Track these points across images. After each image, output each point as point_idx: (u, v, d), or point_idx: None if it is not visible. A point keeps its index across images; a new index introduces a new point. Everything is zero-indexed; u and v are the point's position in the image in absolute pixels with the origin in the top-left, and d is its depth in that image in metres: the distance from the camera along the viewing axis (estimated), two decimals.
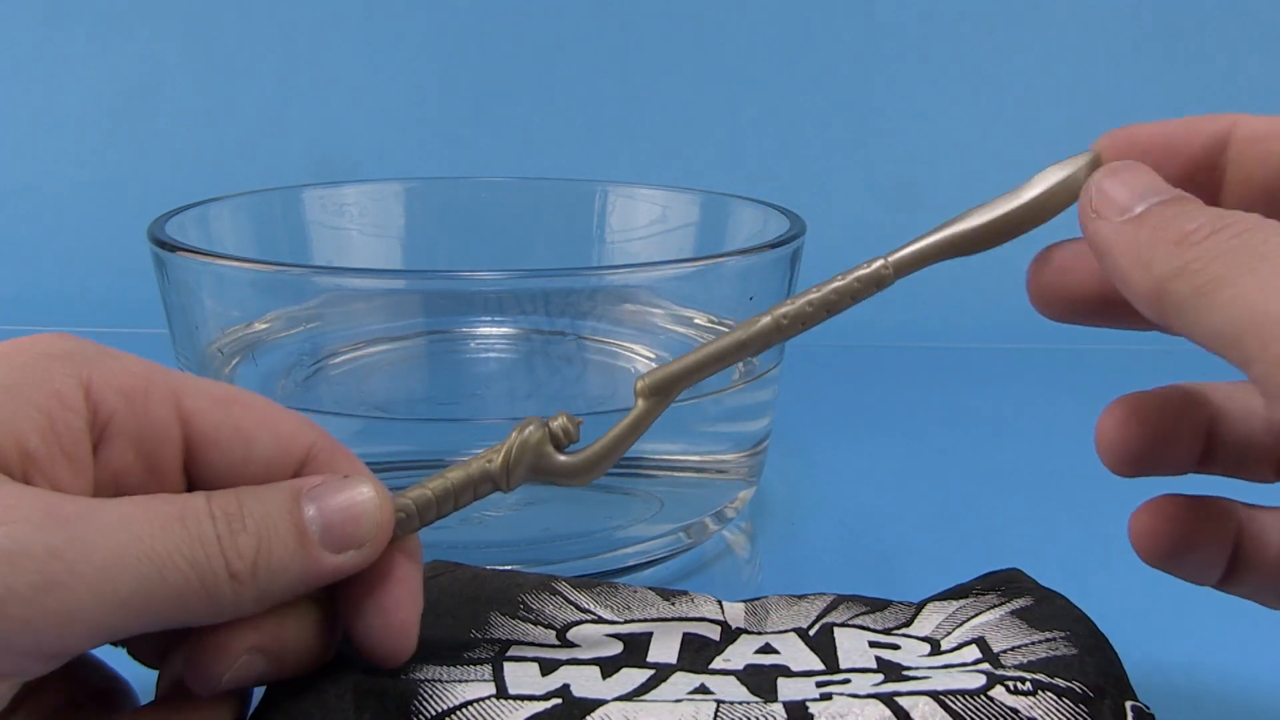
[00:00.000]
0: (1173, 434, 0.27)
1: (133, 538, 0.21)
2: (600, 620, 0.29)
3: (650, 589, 0.31)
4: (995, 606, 0.29)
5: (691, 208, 0.51)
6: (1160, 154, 0.26)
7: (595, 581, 0.31)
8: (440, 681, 0.25)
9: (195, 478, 0.25)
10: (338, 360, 0.45)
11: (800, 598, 0.31)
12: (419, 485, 0.26)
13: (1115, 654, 0.27)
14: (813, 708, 0.24)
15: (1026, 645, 0.27)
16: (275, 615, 0.24)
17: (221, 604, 0.22)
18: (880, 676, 0.26)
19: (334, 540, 0.23)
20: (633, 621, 0.29)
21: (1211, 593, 0.28)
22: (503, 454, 0.26)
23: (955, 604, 0.30)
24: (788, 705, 0.24)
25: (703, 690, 0.25)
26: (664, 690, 0.25)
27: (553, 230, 0.54)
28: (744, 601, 0.31)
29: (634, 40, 0.81)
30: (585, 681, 0.25)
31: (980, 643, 0.27)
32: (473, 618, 0.28)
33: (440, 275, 0.41)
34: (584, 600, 0.30)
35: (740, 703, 0.24)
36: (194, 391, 0.25)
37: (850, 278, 0.26)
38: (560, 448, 0.27)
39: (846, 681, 0.25)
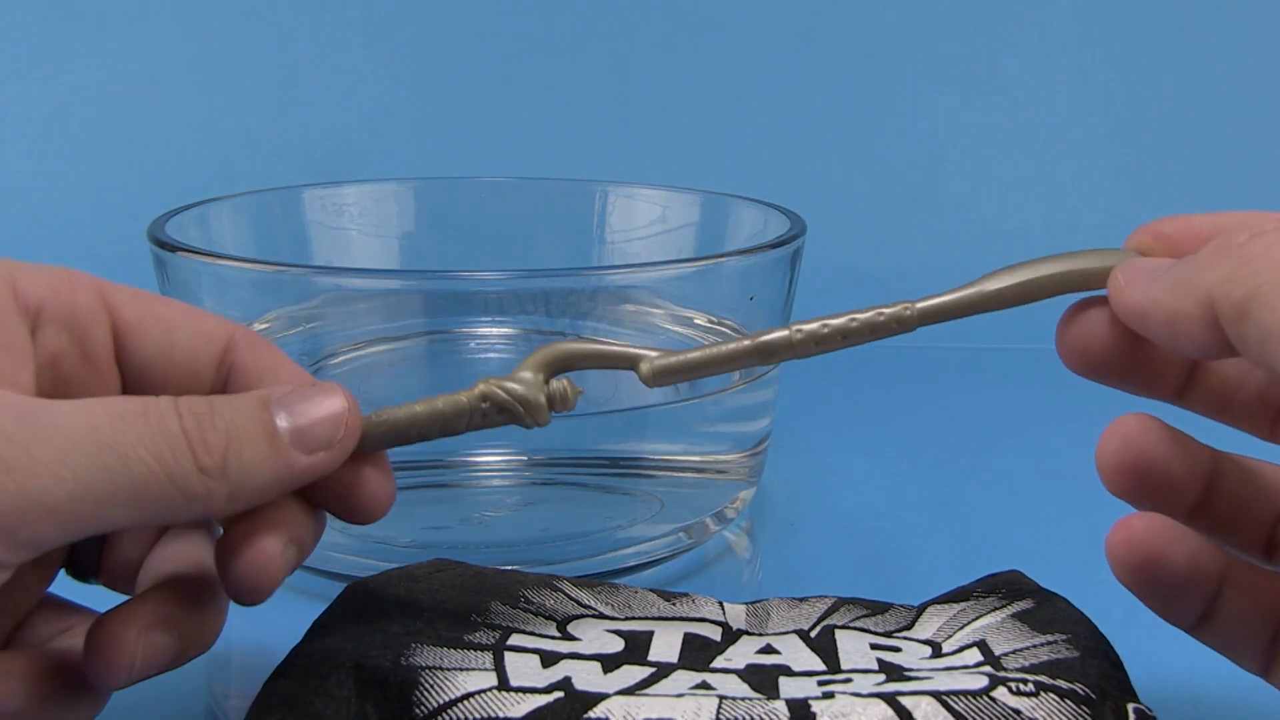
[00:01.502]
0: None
1: (90, 426, 0.21)
2: (601, 616, 0.29)
3: (651, 590, 0.31)
4: (996, 609, 0.29)
5: (691, 208, 0.51)
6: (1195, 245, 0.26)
7: (596, 581, 0.31)
8: (441, 669, 0.25)
9: (125, 368, 0.26)
10: (338, 360, 0.45)
11: (801, 600, 0.31)
12: (396, 406, 0.26)
13: (1117, 656, 0.27)
14: (815, 705, 0.24)
15: (1028, 648, 0.27)
16: (172, 592, 0.25)
17: (193, 498, 0.22)
18: (882, 676, 0.26)
19: (304, 442, 0.24)
20: (634, 619, 0.29)
21: None
22: (507, 397, 0.26)
23: (956, 607, 0.30)
24: (790, 703, 0.24)
25: (704, 687, 0.25)
26: (666, 686, 0.25)
27: (553, 230, 0.54)
28: (745, 604, 0.31)
29: (634, 40, 0.81)
30: (586, 675, 0.25)
31: (982, 645, 0.27)
32: (474, 605, 0.28)
33: (440, 275, 0.41)
34: (585, 597, 0.30)
35: (742, 699, 0.24)
36: (117, 288, 0.27)
37: (873, 310, 0.27)
38: (552, 410, 0.27)
39: (848, 681, 0.25)
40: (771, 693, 0.25)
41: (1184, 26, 0.81)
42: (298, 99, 0.81)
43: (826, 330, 0.27)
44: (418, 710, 0.24)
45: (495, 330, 0.47)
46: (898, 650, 0.27)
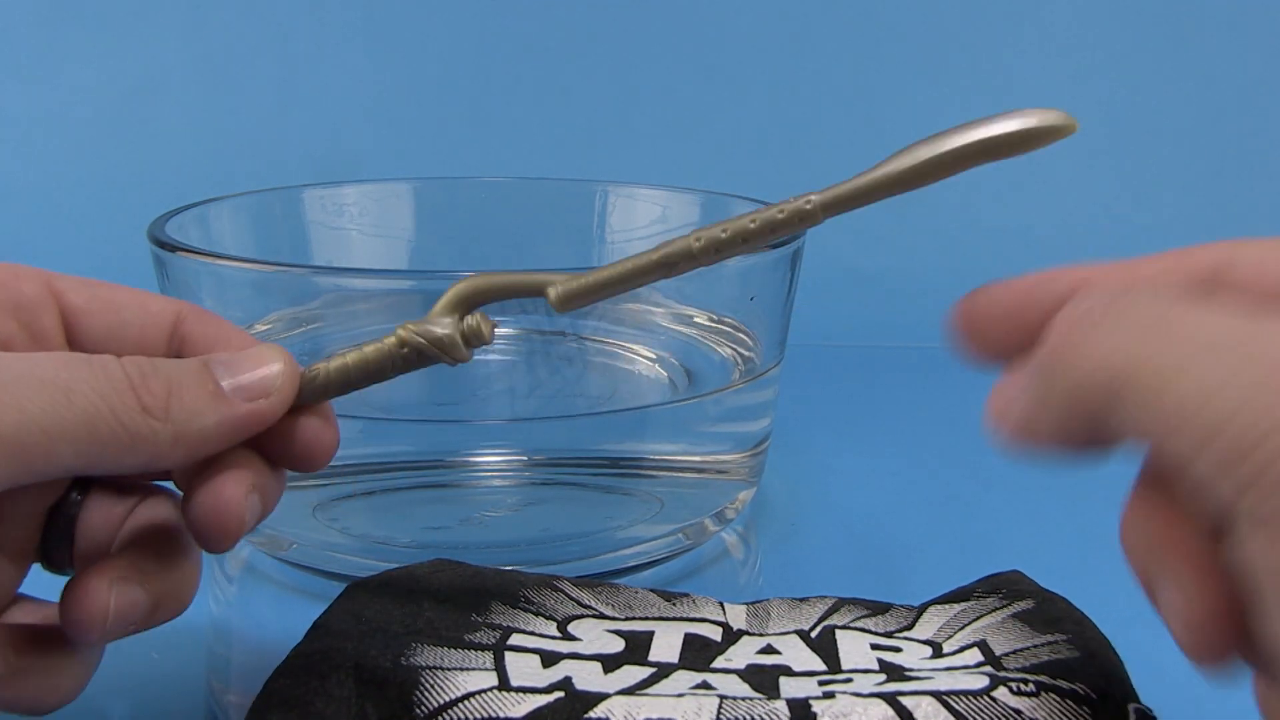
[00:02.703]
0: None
1: (34, 366, 0.22)
2: (602, 616, 0.29)
3: (651, 590, 0.31)
4: (997, 609, 0.29)
5: (691, 208, 0.51)
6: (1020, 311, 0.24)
7: (596, 582, 0.31)
8: (441, 669, 0.25)
9: (75, 348, 0.27)
10: None
11: (802, 600, 0.31)
12: (328, 358, 0.27)
13: (1117, 656, 0.27)
14: (816, 705, 0.24)
15: (1029, 648, 0.27)
16: (143, 547, 0.26)
17: (137, 438, 0.23)
18: (883, 676, 0.26)
19: (244, 393, 0.25)
20: (634, 619, 0.29)
21: None
22: (423, 339, 0.27)
23: (957, 607, 0.30)
24: (790, 702, 0.24)
25: (705, 686, 0.25)
26: (666, 686, 0.25)
27: (553, 230, 0.54)
28: (745, 604, 0.31)
29: (634, 40, 0.81)
30: (587, 675, 0.25)
31: (982, 645, 0.27)
32: (474, 605, 0.28)
33: (440, 275, 0.41)
34: (585, 597, 0.30)
35: (743, 698, 0.24)
36: (63, 276, 0.28)
37: (774, 208, 0.26)
38: (469, 347, 0.27)
39: (849, 681, 0.25)
40: (772, 693, 0.25)
41: (1184, 27, 0.81)
42: (298, 99, 0.80)
43: (726, 234, 0.26)
44: (418, 710, 0.24)
45: (495, 330, 0.47)
46: (898, 650, 0.27)
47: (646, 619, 0.29)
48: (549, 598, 0.30)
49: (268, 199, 0.49)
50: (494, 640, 0.27)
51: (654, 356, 0.45)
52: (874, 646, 0.28)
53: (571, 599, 0.30)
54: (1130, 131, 0.81)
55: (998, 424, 0.23)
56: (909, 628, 0.29)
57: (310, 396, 0.27)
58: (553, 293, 0.27)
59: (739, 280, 0.41)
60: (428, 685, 0.24)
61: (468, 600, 0.29)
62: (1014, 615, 0.29)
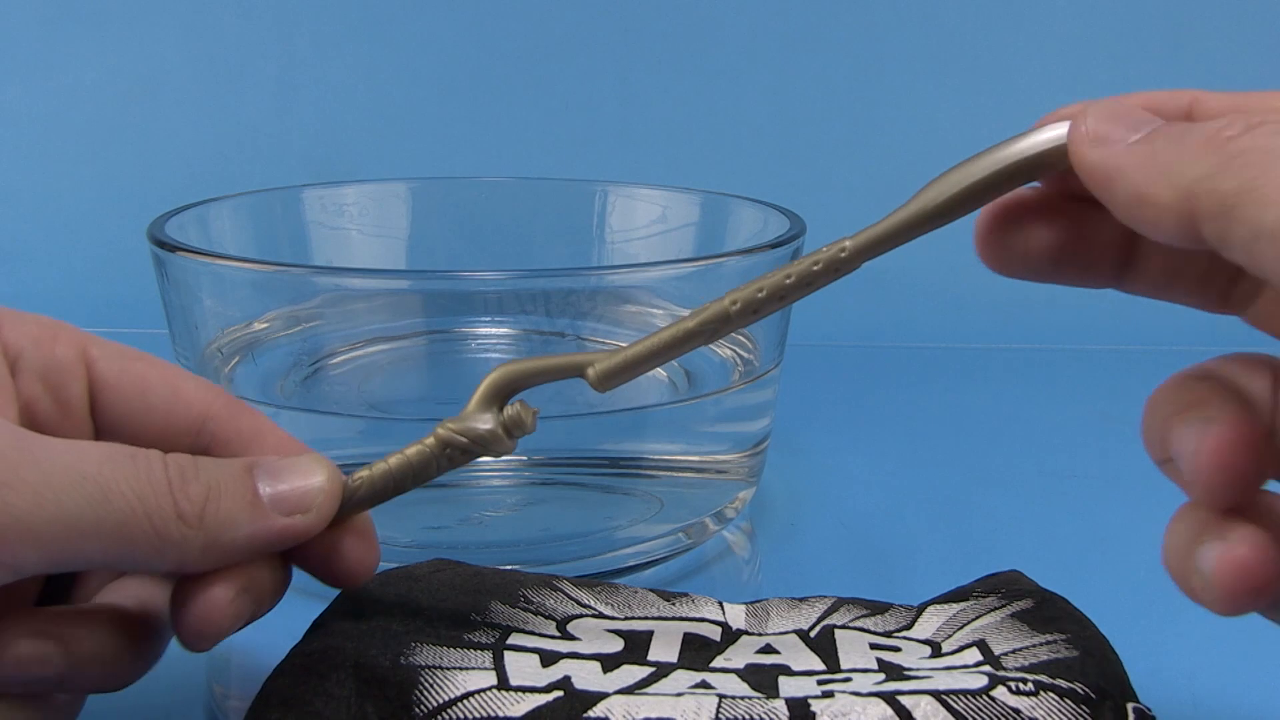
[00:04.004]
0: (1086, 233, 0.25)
1: (79, 459, 0.22)
2: (601, 616, 0.29)
3: (651, 590, 0.31)
4: (996, 609, 0.29)
5: (691, 208, 0.51)
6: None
7: (596, 581, 0.31)
8: (441, 669, 0.25)
9: (99, 422, 0.27)
10: (337, 360, 0.45)
11: (801, 600, 0.31)
12: (371, 465, 0.27)
13: (1116, 656, 0.27)
14: (815, 705, 0.24)
15: (1028, 648, 0.27)
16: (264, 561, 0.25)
17: (168, 544, 0.23)
18: (882, 676, 0.26)
19: (283, 505, 0.25)
20: (633, 619, 0.29)
21: None
22: (469, 441, 0.27)
23: (956, 607, 0.30)
24: (789, 701, 0.24)
25: (704, 686, 0.25)
26: (665, 685, 0.25)
27: (553, 230, 0.54)
28: (745, 604, 0.31)
29: (633, 40, 0.81)
30: (586, 675, 0.25)
31: (981, 645, 0.27)
32: (474, 604, 0.28)
33: (440, 275, 0.41)
34: (585, 597, 0.30)
35: (742, 697, 0.24)
36: (99, 343, 0.27)
37: (807, 261, 0.25)
38: (511, 438, 0.27)
39: (848, 680, 0.25)
40: (771, 692, 0.25)
41: (1185, 25, 0.81)
42: (298, 99, 0.80)
43: (763, 294, 0.25)
44: (417, 709, 0.24)
45: (495, 330, 0.47)
46: (897, 650, 0.27)
47: (646, 618, 0.29)
48: (549, 597, 0.30)
49: (268, 199, 0.49)
50: (493, 640, 0.27)
51: None
52: (873, 646, 0.28)
53: (571, 599, 0.30)
54: None
55: (1089, 139, 0.22)
56: (908, 627, 0.29)
57: (351, 508, 0.26)
58: (591, 373, 0.26)
59: (738, 280, 0.41)
60: (427, 684, 0.24)
61: (467, 600, 0.29)
62: (1013, 615, 0.29)
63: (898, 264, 0.87)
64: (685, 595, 0.31)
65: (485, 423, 0.26)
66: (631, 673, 0.26)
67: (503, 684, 0.24)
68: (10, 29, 0.79)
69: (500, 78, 0.80)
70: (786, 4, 0.80)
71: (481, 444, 0.26)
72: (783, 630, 0.29)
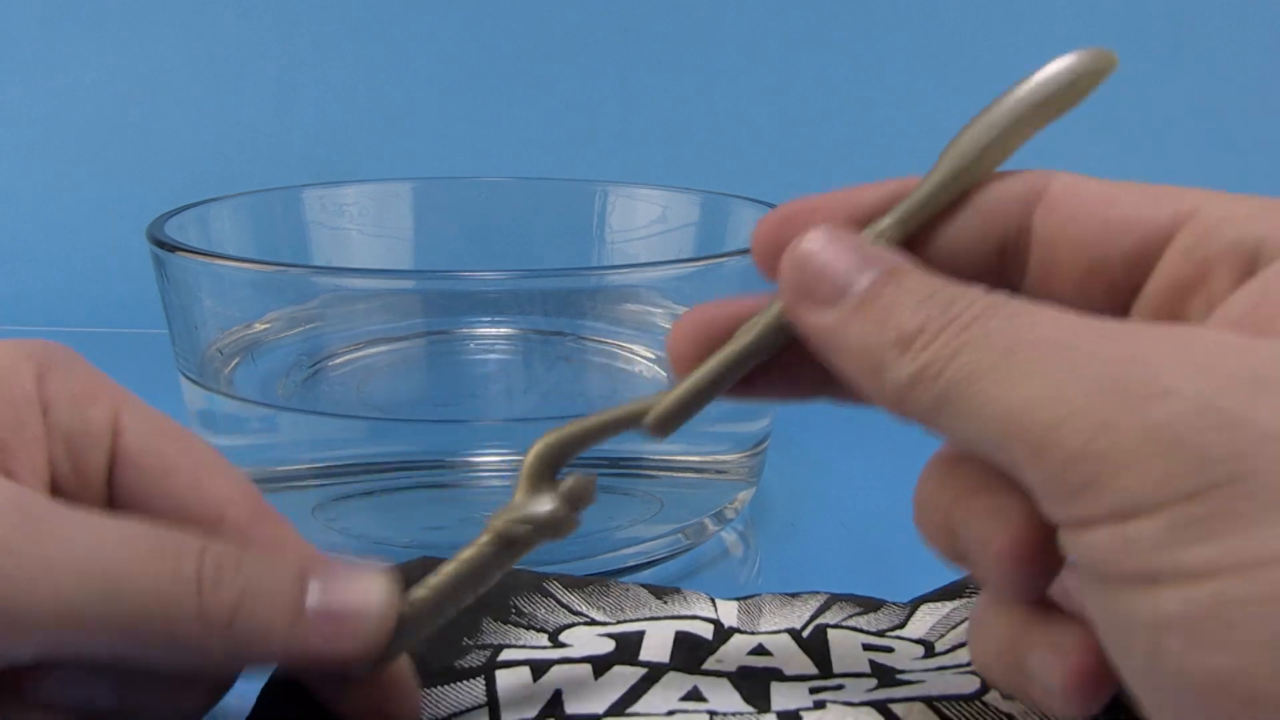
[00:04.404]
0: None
1: (94, 542, 0.20)
2: (593, 622, 0.29)
3: (643, 586, 0.31)
4: None
5: (691, 208, 0.51)
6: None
7: (587, 580, 0.31)
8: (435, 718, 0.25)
9: (114, 494, 0.25)
10: (338, 361, 0.45)
11: (794, 596, 0.31)
12: (424, 581, 0.24)
13: None
14: (807, 717, 0.24)
15: None
16: None
17: (184, 647, 0.21)
18: (874, 681, 0.26)
19: (327, 624, 0.22)
20: (625, 621, 0.29)
21: None
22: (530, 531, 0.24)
23: (949, 605, 0.30)
24: (781, 715, 0.24)
25: (695, 696, 0.25)
26: (655, 696, 0.25)
27: (553, 230, 0.54)
28: (737, 600, 0.31)
29: (633, 40, 0.81)
30: (577, 685, 0.25)
31: None
32: (465, 625, 0.28)
33: (440, 275, 0.41)
34: (576, 602, 0.30)
35: (733, 714, 0.24)
36: (136, 410, 0.25)
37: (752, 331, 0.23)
38: (576, 511, 0.24)
39: (840, 688, 0.25)
40: (763, 704, 0.25)
41: (1185, 26, 0.81)
42: (298, 99, 0.80)
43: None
44: None
45: (495, 330, 0.47)
46: (890, 650, 0.28)
47: (637, 619, 0.29)
48: (540, 606, 0.30)
49: (268, 199, 0.49)
50: (484, 660, 0.27)
51: (654, 356, 0.45)
52: (866, 647, 0.28)
53: (562, 605, 0.30)
54: (1130, 132, 0.81)
55: (800, 291, 0.21)
56: (901, 626, 0.29)
57: (406, 633, 0.23)
58: (650, 420, 0.24)
59: (738, 280, 0.41)
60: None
61: (460, 621, 0.28)
62: None
63: None
64: (677, 591, 0.31)
65: (544, 505, 0.23)
66: (623, 675, 0.26)
67: (494, 714, 0.24)
68: (10, 29, 0.79)
69: (500, 78, 0.80)
70: (786, 4, 0.80)
71: (549, 529, 0.23)
72: (775, 629, 0.29)
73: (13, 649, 0.20)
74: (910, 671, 0.26)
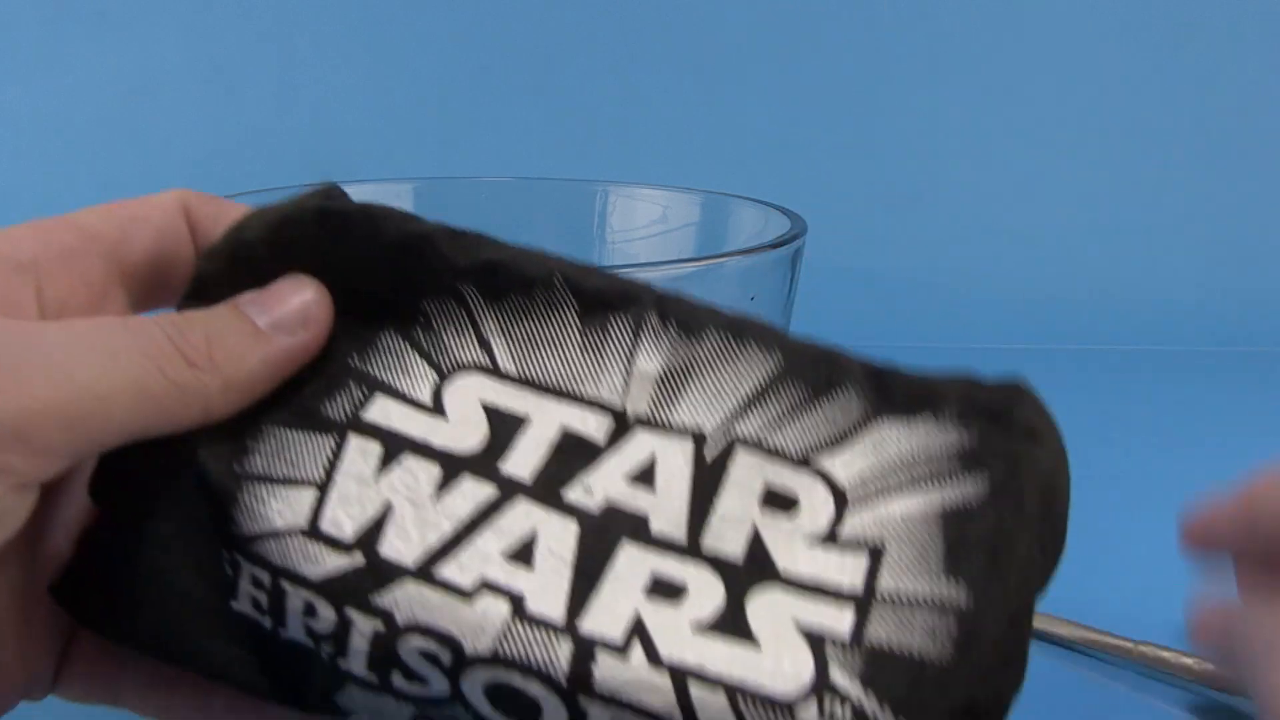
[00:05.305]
0: None
1: (78, 335, 0.22)
2: (492, 371, 0.26)
3: (576, 312, 0.26)
4: (935, 485, 0.24)
5: (691, 208, 0.51)
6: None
7: (531, 276, 0.27)
8: (268, 481, 0.24)
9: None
10: None
11: (741, 345, 0.26)
12: None
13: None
14: (595, 672, 0.22)
15: (925, 589, 0.22)
16: None
17: (187, 391, 0.23)
18: (729, 577, 0.23)
19: (282, 328, 0.25)
20: (524, 384, 0.25)
21: None
22: None
23: (905, 442, 0.24)
24: (579, 641, 0.22)
25: (522, 559, 0.23)
26: (476, 549, 0.23)
27: (553, 230, 0.54)
28: (667, 350, 0.26)
29: (634, 40, 0.81)
30: (409, 504, 0.24)
31: (874, 554, 0.23)
32: (365, 321, 0.26)
33: None
34: (488, 324, 0.26)
35: (536, 623, 0.22)
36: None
37: None
38: None
39: (682, 591, 0.22)
40: (586, 588, 0.22)
41: (1185, 26, 0.81)
42: (298, 99, 0.81)
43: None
44: (233, 529, 0.24)
45: None
46: (790, 507, 0.24)
47: (535, 388, 0.25)
48: (448, 326, 0.26)
49: (268, 199, 0.49)
50: (349, 412, 0.25)
51: None
52: (766, 497, 0.24)
53: (472, 332, 0.26)
54: (1131, 132, 0.81)
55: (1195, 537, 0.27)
56: (837, 444, 0.24)
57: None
58: None
59: (739, 281, 0.41)
60: (243, 506, 0.24)
61: (360, 311, 0.26)
62: (943, 513, 0.23)
63: (897, 264, 0.87)
64: (607, 321, 0.26)
65: None
66: (464, 498, 0.24)
67: (312, 527, 0.23)
68: (10, 29, 0.79)
69: (500, 78, 0.80)
70: (787, 4, 0.81)
71: None
72: (684, 427, 0.25)
73: (52, 440, 0.21)
74: (770, 586, 0.22)
